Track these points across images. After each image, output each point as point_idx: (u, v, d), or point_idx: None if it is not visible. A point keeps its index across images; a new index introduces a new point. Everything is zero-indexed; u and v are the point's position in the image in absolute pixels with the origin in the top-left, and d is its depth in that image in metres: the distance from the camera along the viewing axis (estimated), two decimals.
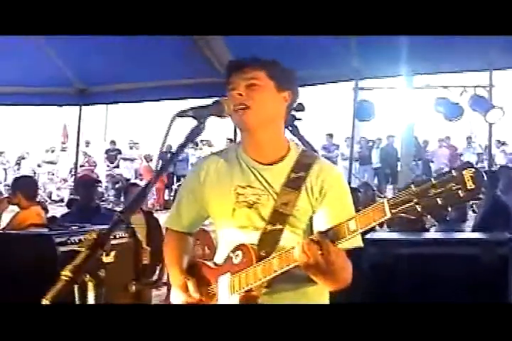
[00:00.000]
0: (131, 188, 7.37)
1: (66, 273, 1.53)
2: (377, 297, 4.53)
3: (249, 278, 2.09)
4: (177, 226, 2.47)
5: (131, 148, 18.87)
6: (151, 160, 17.24)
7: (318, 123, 20.74)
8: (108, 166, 18.49)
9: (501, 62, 7.62)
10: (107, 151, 19.35)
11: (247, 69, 2.22)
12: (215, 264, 2.33)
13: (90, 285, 1.60)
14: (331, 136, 17.49)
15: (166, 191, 17.19)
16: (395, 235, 6.02)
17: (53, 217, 6.09)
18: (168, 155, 2.00)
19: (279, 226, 2.19)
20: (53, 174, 18.98)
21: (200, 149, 17.22)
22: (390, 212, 1.75)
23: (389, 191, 15.39)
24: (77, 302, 1.61)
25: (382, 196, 13.09)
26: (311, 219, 2.25)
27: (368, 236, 5.53)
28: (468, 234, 6.10)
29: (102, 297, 1.61)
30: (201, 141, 17.53)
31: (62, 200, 16.84)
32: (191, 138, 1.97)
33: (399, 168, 12.12)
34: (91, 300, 1.61)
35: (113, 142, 19.63)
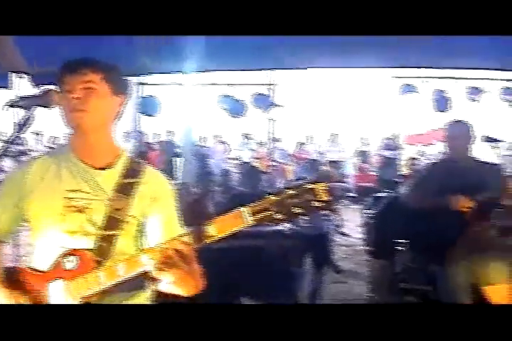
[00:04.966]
0: None
1: None
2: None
3: (89, 284, 2.03)
4: None
5: None
6: None
7: None
8: None
9: (283, 62, 7.96)
10: None
11: (84, 70, 2.17)
12: (36, 270, 2.20)
13: None
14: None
15: None
16: None
17: None
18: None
19: (113, 232, 2.16)
20: None
21: None
22: (250, 219, 1.85)
23: None
24: None
25: None
26: (144, 224, 2.25)
27: None
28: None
29: None
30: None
31: None
32: (21, 128, 1.90)
33: (178, 164, 12.18)
34: None
35: None
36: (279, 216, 1.84)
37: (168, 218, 2.28)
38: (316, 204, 1.84)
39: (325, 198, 1.84)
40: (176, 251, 1.91)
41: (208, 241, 1.91)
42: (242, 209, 1.87)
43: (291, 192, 1.85)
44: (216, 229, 1.89)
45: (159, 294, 2.28)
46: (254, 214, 1.85)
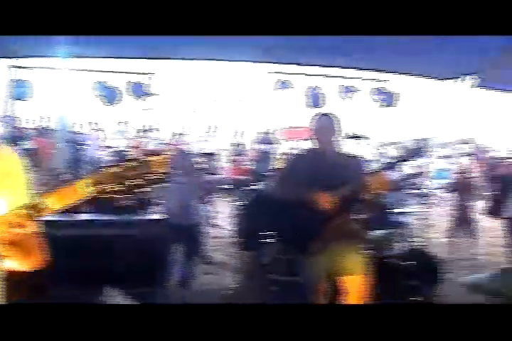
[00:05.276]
0: None
1: None
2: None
3: None
4: None
5: None
6: None
7: None
8: None
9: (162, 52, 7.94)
10: None
11: None
12: None
13: None
14: None
15: None
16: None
17: None
18: None
19: None
20: None
21: None
22: (87, 191, 1.86)
23: None
24: None
25: None
26: None
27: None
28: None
29: None
30: None
31: None
32: None
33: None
34: None
35: None
36: (116, 188, 1.86)
37: (19, 195, 2.21)
38: (152, 176, 1.87)
39: (161, 170, 1.88)
40: (14, 224, 1.90)
41: (46, 213, 1.90)
42: (79, 180, 1.88)
43: (129, 163, 1.88)
44: (54, 201, 1.90)
45: (8, 273, 2.26)
46: (91, 185, 1.86)
